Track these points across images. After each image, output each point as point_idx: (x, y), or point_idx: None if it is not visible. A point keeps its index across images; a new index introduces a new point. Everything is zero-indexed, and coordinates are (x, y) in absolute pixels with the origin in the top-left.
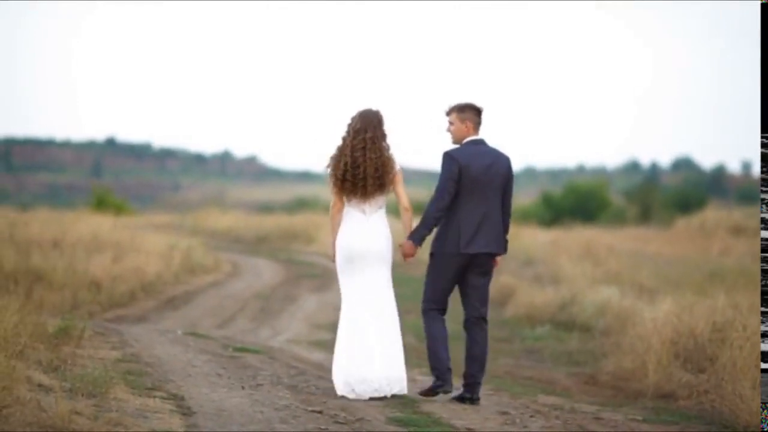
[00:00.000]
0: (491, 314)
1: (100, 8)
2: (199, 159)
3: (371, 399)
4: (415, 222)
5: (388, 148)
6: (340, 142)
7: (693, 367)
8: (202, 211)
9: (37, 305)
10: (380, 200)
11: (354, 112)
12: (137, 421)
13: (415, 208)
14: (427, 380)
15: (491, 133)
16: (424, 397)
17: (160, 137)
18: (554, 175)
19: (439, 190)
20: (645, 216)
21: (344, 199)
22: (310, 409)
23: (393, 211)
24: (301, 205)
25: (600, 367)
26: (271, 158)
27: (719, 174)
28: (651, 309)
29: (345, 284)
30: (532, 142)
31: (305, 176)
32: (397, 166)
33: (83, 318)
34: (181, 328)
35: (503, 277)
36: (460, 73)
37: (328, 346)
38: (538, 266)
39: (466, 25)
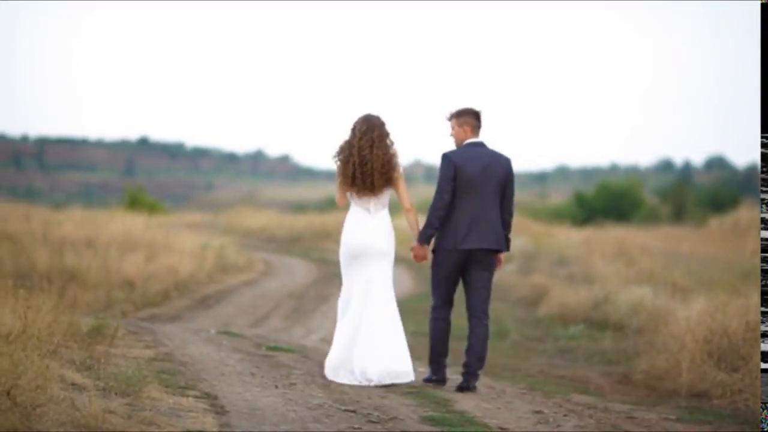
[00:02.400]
0: (524, 313)
1: (136, 7)
2: (232, 158)
3: (387, 388)
4: (421, 221)
5: (392, 145)
6: (344, 143)
7: (727, 366)
8: (235, 211)
9: (70, 304)
10: (384, 199)
11: (357, 117)
12: (171, 420)
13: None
14: (460, 378)
15: (525, 133)
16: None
17: (193, 136)
18: (587, 174)
19: (438, 191)
20: (678, 215)
21: (350, 197)
22: (343, 408)
23: (397, 209)
24: (333, 204)
25: (633, 367)
26: (304, 157)
27: (752, 173)
28: (684, 308)
29: (347, 279)
30: (565, 141)
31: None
32: (400, 168)
33: (116, 317)
34: (215, 327)
35: (536, 276)
36: (495, 74)
37: None
38: (571, 265)
39: (498, 27)
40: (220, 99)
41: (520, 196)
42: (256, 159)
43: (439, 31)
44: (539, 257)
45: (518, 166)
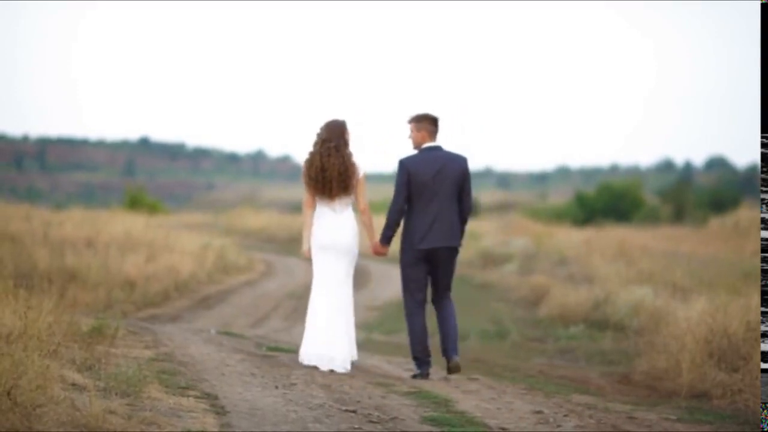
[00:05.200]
0: (524, 314)
1: (136, 7)
2: (232, 158)
3: (333, 372)
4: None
5: (350, 156)
6: (312, 148)
7: (727, 366)
8: (236, 211)
9: (71, 304)
10: (347, 200)
11: (324, 122)
12: (171, 420)
13: None
14: (461, 378)
15: (526, 133)
16: (418, 379)
17: (193, 137)
18: (588, 174)
19: (394, 195)
20: (679, 215)
21: (316, 198)
22: (343, 408)
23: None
24: None
25: (634, 367)
26: (305, 158)
27: (753, 173)
28: (685, 308)
29: (315, 272)
30: (566, 141)
31: None
32: (361, 173)
33: (117, 317)
34: (215, 327)
35: (536, 276)
36: (496, 75)
37: (362, 345)
38: (572, 266)
39: (499, 27)
40: (220, 99)
41: (521, 196)
42: (257, 159)
43: (440, 31)
44: (540, 257)
45: (519, 167)
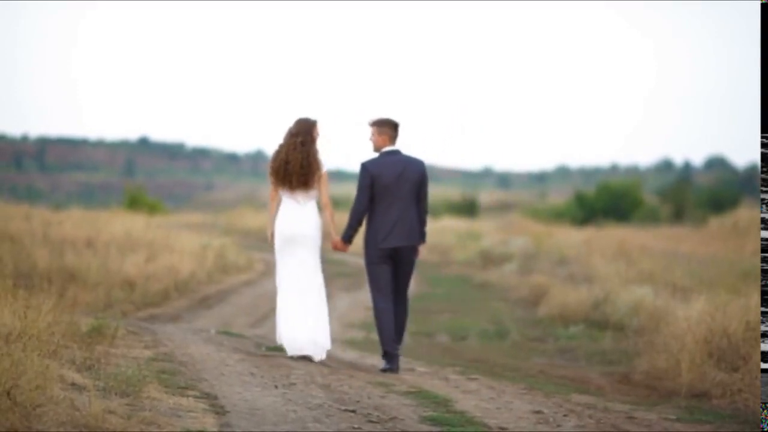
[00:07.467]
0: (524, 313)
1: (135, 7)
2: (232, 158)
3: (310, 361)
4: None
5: (316, 153)
6: (282, 140)
7: (727, 366)
8: (235, 211)
9: (70, 304)
10: (311, 193)
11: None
12: (171, 420)
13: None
14: (461, 378)
15: (525, 133)
16: (388, 373)
17: (193, 136)
18: (587, 174)
19: (356, 197)
20: (678, 215)
21: (280, 190)
22: (343, 408)
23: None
24: (332, 203)
25: (633, 366)
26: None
27: (752, 172)
28: (684, 308)
29: (279, 262)
30: (566, 141)
31: (337, 175)
32: (324, 169)
33: (117, 317)
34: (215, 327)
35: (536, 276)
36: (496, 75)
37: (361, 344)
38: (572, 265)
39: (499, 27)
40: (220, 99)
41: (521, 195)
42: (257, 159)
43: (439, 31)
44: (539, 257)
45: (519, 166)
